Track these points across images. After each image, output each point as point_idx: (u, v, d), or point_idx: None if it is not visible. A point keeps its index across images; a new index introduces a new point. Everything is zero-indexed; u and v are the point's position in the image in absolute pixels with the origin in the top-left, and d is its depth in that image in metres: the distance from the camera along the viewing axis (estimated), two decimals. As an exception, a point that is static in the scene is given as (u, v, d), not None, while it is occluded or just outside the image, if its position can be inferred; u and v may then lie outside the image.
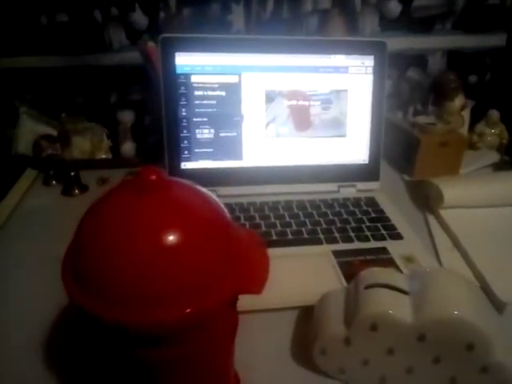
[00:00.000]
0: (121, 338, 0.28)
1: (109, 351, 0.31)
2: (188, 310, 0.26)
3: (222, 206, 0.31)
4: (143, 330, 0.26)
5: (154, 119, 0.79)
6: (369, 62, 0.67)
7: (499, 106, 0.87)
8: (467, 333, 0.35)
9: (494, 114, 0.86)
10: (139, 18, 0.81)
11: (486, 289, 0.51)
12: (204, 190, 0.31)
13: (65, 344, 0.44)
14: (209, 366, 0.33)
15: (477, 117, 0.87)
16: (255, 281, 0.29)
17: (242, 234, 0.32)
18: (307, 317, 0.45)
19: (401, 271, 0.52)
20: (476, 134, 0.87)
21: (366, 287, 0.39)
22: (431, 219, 0.66)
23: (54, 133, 0.75)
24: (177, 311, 0.26)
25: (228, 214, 0.31)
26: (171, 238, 0.27)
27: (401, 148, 0.79)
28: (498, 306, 0.49)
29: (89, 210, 0.29)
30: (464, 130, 0.84)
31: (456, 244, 0.60)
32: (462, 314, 0.35)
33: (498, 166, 0.82)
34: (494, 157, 0.84)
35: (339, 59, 0.66)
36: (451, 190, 0.65)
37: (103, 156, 0.80)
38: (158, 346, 0.28)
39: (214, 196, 0.31)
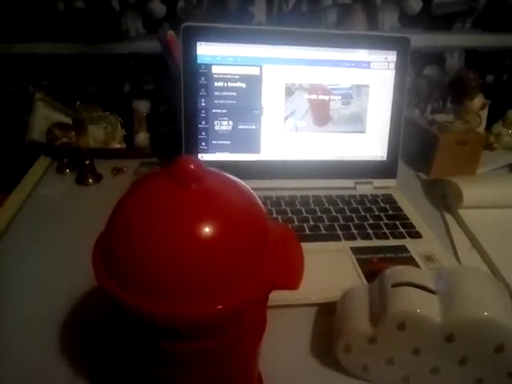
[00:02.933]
0: (150, 330, 0.27)
1: (134, 342, 0.30)
2: (220, 307, 0.25)
3: (258, 198, 0.31)
4: (172, 323, 0.26)
5: (169, 109, 0.78)
6: (391, 57, 0.66)
7: (516, 106, 0.87)
8: (497, 334, 0.35)
9: (512, 114, 0.85)
10: (157, 7, 0.80)
11: (505, 290, 0.50)
12: (240, 181, 0.31)
13: (87, 331, 0.43)
14: (235, 363, 0.32)
15: (493, 117, 0.86)
16: (292, 276, 0.28)
17: (277, 227, 0.31)
18: (327, 314, 0.45)
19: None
20: (493, 135, 0.86)
21: (394, 285, 0.39)
22: (449, 218, 0.65)
23: (69, 121, 0.74)
24: (209, 306, 0.25)
25: (264, 207, 0.30)
26: (209, 230, 0.26)
27: (418, 146, 0.78)
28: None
29: (124, 196, 0.29)
30: (481, 131, 0.83)
31: (475, 244, 0.59)
32: (492, 314, 0.35)
33: (515, 168, 0.81)
34: (511, 157, 0.83)
35: (362, 54, 0.65)
36: (470, 190, 0.65)
37: (117, 145, 0.79)
38: (185, 339, 0.27)
39: (249, 188, 0.31)
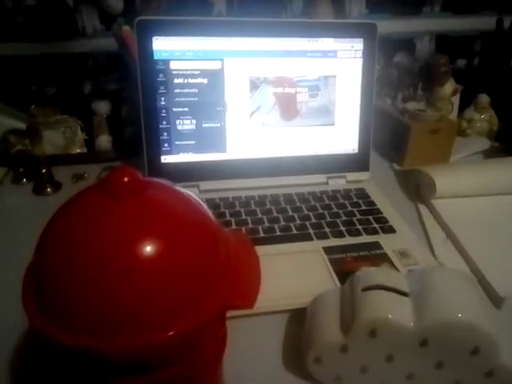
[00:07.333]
0: (96, 367, 0.24)
1: (80, 380, 0.27)
2: (171, 333, 0.23)
3: (207, 208, 0.28)
4: (119, 359, 0.23)
5: (131, 110, 0.74)
6: (358, 45, 0.63)
7: (488, 90, 0.85)
8: (472, 336, 0.33)
9: (484, 98, 0.84)
10: (114, 1, 0.76)
11: (482, 283, 0.49)
12: (185, 190, 0.28)
13: (31, 364, 0.40)
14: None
15: (465, 102, 0.85)
16: (247, 294, 0.26)
17: (229, 236, 0.28)
18: (299, 320, 0.42)
19: (395, 267, 0.50)
20: (465, 120, 0.85)
21: (364, 289, 0.37)
22: (423, 210, 0.63)
23: (24, 127, 0.69)
24: (158, 335, 0.23)
25: (213, 217, 0.28)
26: (150, 250, 0.23)
27: (390, 136, 0.76)
28: (495, 301, 0.47)
29: (51, 219, 0.26)
30: (453, 116, 0.82)
31: (450, 235, 0.58)
32: (466, 316, 0.33)
33: (488, 153, 0.80)
34: (484, 143, 0.82)
35: (327, 43, 0.63)
36: (444, 179, 0.63)
37: (78, 150, 0.75)
38: (136, 373, 0.24)
39: (196, 197, 0.28)
